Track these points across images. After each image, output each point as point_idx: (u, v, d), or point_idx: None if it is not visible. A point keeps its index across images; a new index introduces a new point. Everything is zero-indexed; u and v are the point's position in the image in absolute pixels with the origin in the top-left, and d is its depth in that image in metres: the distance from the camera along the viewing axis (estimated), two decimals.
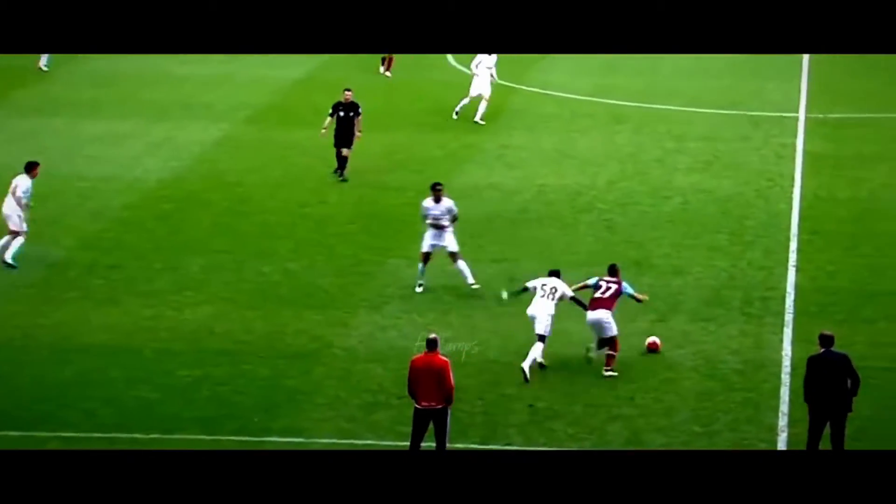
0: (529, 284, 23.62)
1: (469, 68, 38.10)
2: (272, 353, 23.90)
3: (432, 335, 20.10)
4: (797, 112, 38.49)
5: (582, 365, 23.38)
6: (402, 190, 32.26)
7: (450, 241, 26.39)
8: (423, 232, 26.41)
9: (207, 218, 30.65)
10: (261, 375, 23.11)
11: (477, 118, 37.04)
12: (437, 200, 26.39)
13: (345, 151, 32.57)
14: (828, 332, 20.15)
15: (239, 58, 44.81)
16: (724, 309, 25.52)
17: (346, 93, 32.97)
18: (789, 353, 23.53)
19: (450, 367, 19.83)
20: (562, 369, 23.28)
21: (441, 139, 36.13)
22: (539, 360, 22.98)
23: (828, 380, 19.76)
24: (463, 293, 26.36)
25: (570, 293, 23.39)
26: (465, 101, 37.27)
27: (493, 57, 37.19)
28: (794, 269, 27.41)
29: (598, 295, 23.16)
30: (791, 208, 30.83)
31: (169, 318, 25.26)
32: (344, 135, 32.58)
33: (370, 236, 29.40)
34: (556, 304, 23.14)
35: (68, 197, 31.33)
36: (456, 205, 26.43)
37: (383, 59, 42.36)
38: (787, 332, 24.52)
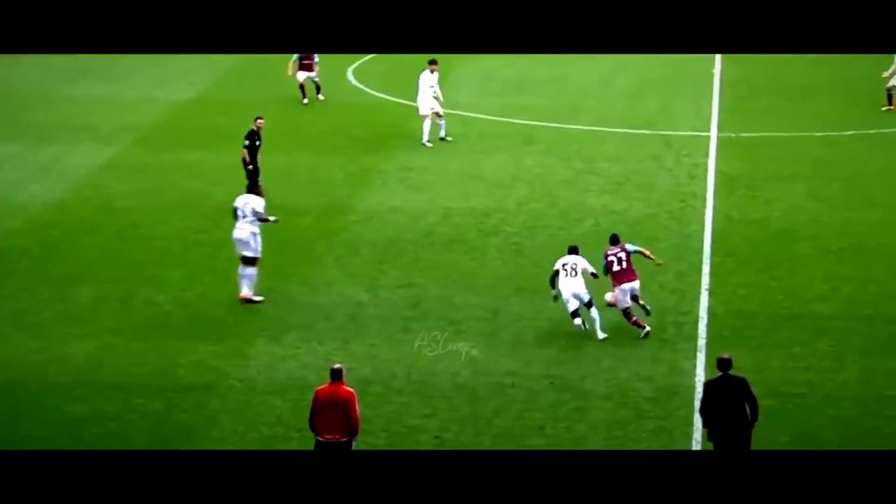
0: (557, 270, 25.75)
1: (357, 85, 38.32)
2: (165, 386, 23.85)
3: (337, 365, 20.21)
4: (709, 131, 39.13)
5: (492, 393, 23.64)
6: (301, 214, 32.35)
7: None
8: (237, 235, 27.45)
9: (96, 245, 30.51)
10: (153, 410, 23.06)
11: (426, 139, 37.44)
12: None
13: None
14: (726, 356, 20.61)
15: (124, 77, 44.67)
16: (636, 335, 25.86)
17: (259, 121, 32.94)
18: (703, 380, 23.90)
19: (356, 399, 19.96)
20: (470, 398, 23.49)
21: (341, 161, 36.28)
22: (598, 325, 25.60)
23: (725, 404, 20.19)
24: (365, 321, 26.51)
25: (590, 269, 25.81)
26: (440, 122, 37.50)
27: (435, 75, 37.50)
28: (706, 292, 27.88)
29: (616, 269, 25.64)
30: (704, 230, 31.34)
31: (56, 351, 25.13)
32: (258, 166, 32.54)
33: (268, 262, 29.40)
34: (583, 277, 25.65)
35: None
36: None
37: (302, 88, 41.58)
38: (701, 358, 24.93)
